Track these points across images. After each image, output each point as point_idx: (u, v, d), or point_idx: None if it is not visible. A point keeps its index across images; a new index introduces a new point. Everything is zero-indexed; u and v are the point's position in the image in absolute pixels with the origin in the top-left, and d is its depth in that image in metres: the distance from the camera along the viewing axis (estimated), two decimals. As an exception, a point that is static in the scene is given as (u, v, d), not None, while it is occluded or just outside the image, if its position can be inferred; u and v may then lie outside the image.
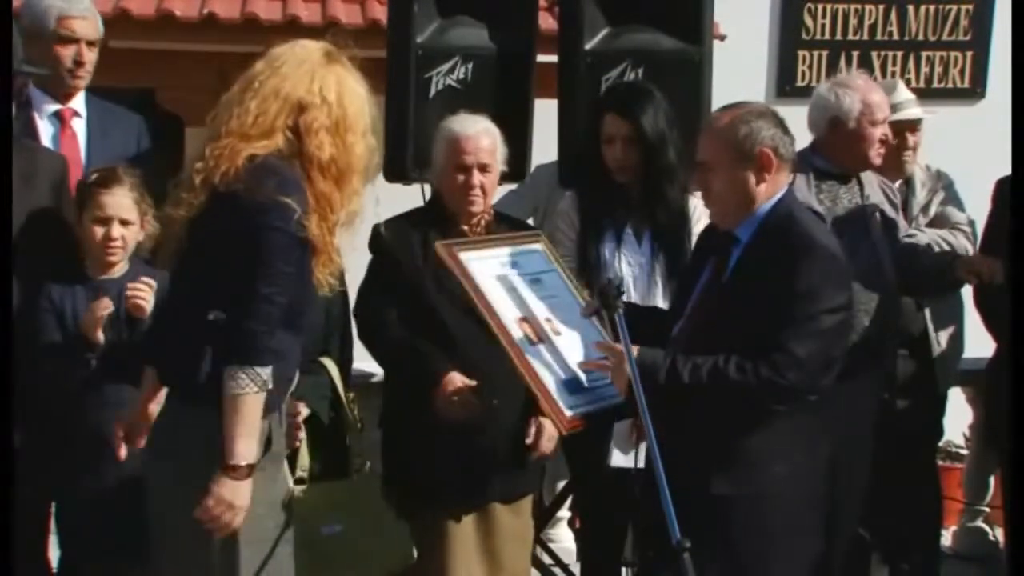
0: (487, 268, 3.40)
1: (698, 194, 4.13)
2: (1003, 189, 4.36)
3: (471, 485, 3.65)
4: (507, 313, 3.31)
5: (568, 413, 3.21)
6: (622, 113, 3.94)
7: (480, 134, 3.74)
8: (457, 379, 3.57)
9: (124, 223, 3.59)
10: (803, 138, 3.93)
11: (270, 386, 2.85)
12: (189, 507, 2.85)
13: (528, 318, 3.33)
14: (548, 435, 3.70)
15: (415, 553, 3.63)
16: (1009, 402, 3.31)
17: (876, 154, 4.27)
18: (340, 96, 2.95)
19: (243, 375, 2.81)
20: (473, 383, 3.58)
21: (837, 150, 4.25)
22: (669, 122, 3.97)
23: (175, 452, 2.94)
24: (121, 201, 3.58)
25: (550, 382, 3.23)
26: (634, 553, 4.12)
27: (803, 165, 4.05)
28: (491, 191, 3.79)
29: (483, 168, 3.72)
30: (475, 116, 3.82)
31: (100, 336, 3.50)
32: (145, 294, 3.53)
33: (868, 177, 4.37)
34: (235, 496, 2.84)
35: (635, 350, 3.03)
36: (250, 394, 2.82)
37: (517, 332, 3.27)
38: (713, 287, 3.22)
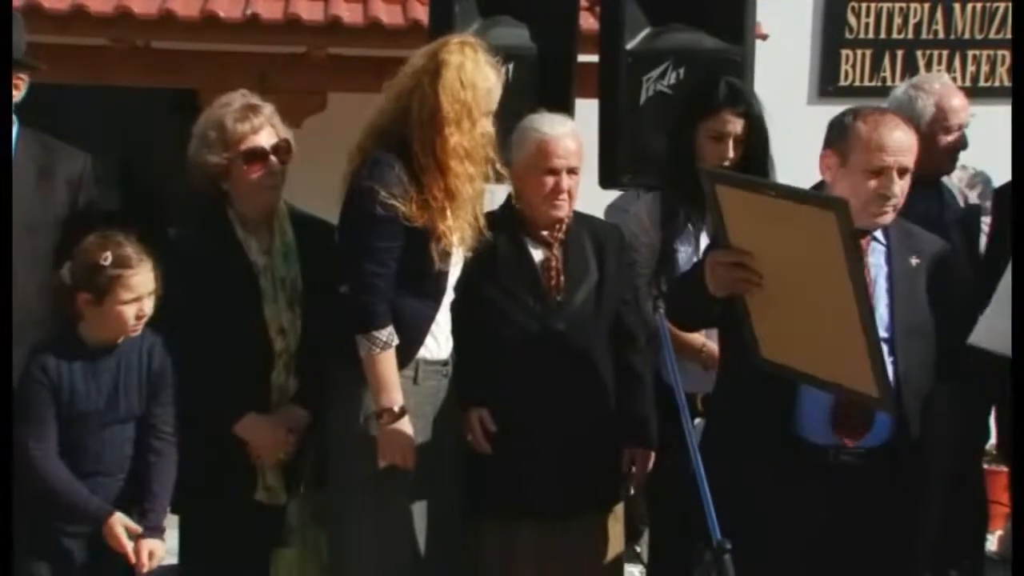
0: None
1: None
2: (1002, 199, 4.29)
3: (543, 497, 3.60)
4: None
5: None
6: (739, 110, 3.88)
7: (568, 135, 3.64)
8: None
9: (150, 294, 3.43)
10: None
11: (394, 342, 3.29)
12: (350, 452, 3.41)
13: None
14: (643, 465, 3.76)
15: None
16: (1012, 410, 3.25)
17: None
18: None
19: (365, 340, 3.27)
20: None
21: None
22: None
23: (342, 408, 3.43)
24: (148, 275, 3.40)
25: None
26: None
27: None
28: (576, 195, 3.68)
29: (572, 171, 3.62)
30: (557, 116, 3.73)
31: None
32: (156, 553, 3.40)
33: (949, 183, 4.34)
34: (390, 438, 3.31)
35: None
36: (375, 354, 3.26)
37: None
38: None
